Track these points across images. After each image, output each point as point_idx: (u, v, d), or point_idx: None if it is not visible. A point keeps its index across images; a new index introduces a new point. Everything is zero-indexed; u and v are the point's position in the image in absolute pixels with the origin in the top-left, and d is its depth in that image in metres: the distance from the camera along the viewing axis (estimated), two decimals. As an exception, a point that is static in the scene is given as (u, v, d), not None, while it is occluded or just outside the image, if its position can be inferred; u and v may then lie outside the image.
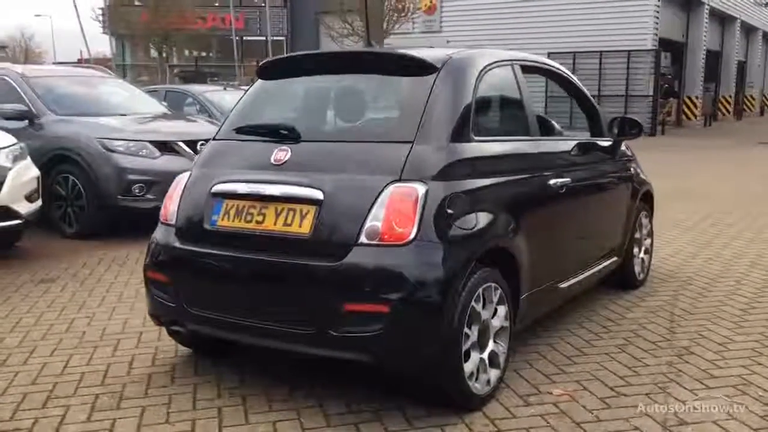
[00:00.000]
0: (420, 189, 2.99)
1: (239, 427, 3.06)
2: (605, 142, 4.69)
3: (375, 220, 2.95)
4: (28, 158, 6.73)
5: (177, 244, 3.39)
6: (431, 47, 3.80)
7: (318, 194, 3.08)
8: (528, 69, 4.13)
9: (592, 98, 4.71)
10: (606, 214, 4.61)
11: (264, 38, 32.05)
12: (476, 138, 3.34)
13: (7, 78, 8.35)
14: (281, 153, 3.29)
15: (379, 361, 2.98)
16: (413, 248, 2.92)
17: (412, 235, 2.93)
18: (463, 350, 3.06)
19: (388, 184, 3.00)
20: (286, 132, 3.35)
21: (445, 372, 3.02)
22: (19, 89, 8.14)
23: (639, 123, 4.67)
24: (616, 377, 3.55)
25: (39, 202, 6.67)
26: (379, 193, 2.98)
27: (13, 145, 6.59)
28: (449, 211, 3.03)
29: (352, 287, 2.93)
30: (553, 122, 4.76)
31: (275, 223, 3.15)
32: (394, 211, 2.95)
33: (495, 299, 3.25)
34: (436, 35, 27.67)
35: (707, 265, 5.85)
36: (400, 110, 3.35)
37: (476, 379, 3.18)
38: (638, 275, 5.13)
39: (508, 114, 4.00)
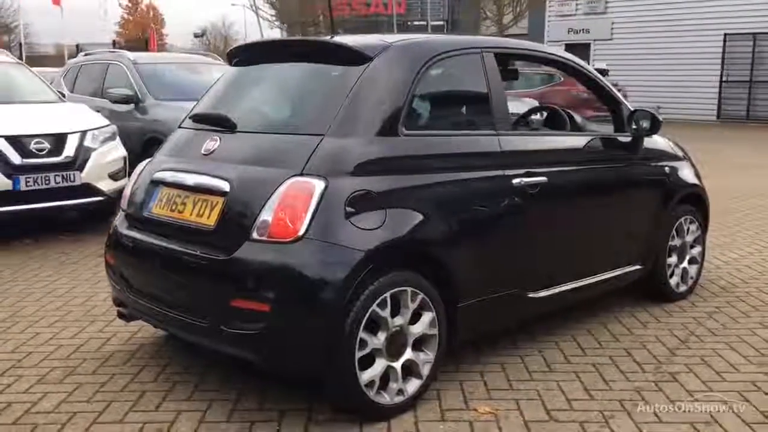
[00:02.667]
0: (317, 185, 2.86)
1: (145, 413, 3.10)
2: (622, 138, 4.21)
3: (267, 215, 2.86)
4: (117, 139, 7.22)
5: (121, 229, 3.50)
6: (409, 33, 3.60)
7: (225, 186, 3.04)
8: (510, 57, 3.81)
9: (611, 88, 4.24)
10: (617, 218, 4.14)
11: (425, 23, 32.20)
12: (407, 133, 3.13)
13: (120, 64, 9.03)
14: (211, 143, 3.28)
15: (264, 361, 2.90)
16: (300, 246, 2.80)
17: (301, 232, 2.81)
18: (362, 356, 2.89)
19: (288, 178, 2.90)
20: (221, 122, 3.34)
21: (336, 378, 2.88)
22: (129, 74, 8.78)
23: (655, 116, 4.14)
24: (564, 400, 3.20)
25: (124, 181, 7.16)
26: (277, 188, 2.88)
27: (103, 126, 7.11)
28: (349, 209, 2.87)
29: (237, 283, 2.87)
30: (574, 117, 4.36)
31: (191, 214, 3.15)
32: (286, 206, 2.85)
33: (413, 305, 3.04)
34: (600, 17, 26.32)
35: (785, 280, 5.11)
36: (320, 102, 3.21)
37: (382, 388, 3.00)
38: (676, 287, 4.58)
39: (465, 107, 3.70)
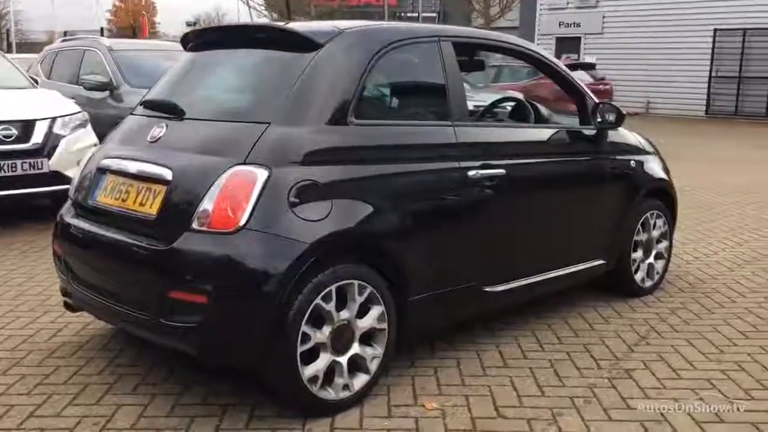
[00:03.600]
0: (260, 174, 2.78)
1: (85, 406, 3.02)
2: (586, 131, 4.14)
3: (208, 205, 2.78)
4: (88, 126, 7.11)
5: (67, 218, 3.42)
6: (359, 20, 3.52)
7: (167, 174, 2.96)
8: (470, 47, 3.73)
9: (575, 81, 4.17)
10: (580, 212, 4.07)
11: (416, 15, 32.07)
12: (357, 122, 3.05)
13: (96, 50, 8.91)
14: (158, 130, 3.20)
15: (203, 355, 2.83)
16: (239, 236, 2.72)
17: (241, 223, 2.73)
18: (305, 350, 2.83)
19: (230, 167, 2.82)
20: (169, 108, 3.26)
21: (277, 373, 2.81)
22: (104, 61, 8.66)
23: (618, 110, 4.08)
24: (515, 397, 3.14)
25: (95, 169, 7.06)
26: (219, 176, 2.81)
27: (74, 113, 7.00)
28: (293, 199, 2.79)
29: (175, 274, 2.79)
30: (539, 109, 4.29)
31: (134, 202, 3.07)
32: (228, 196, 2.77)
33: (360, 298, 2.97)
34: (591, 11, 26.24)
35: (754, 277, 5.06)
36: (268, 89, 3.13)
37: (327, 383, 2.93)
38: (641, 282, 4.52)
39: (419, 97, 3.62)
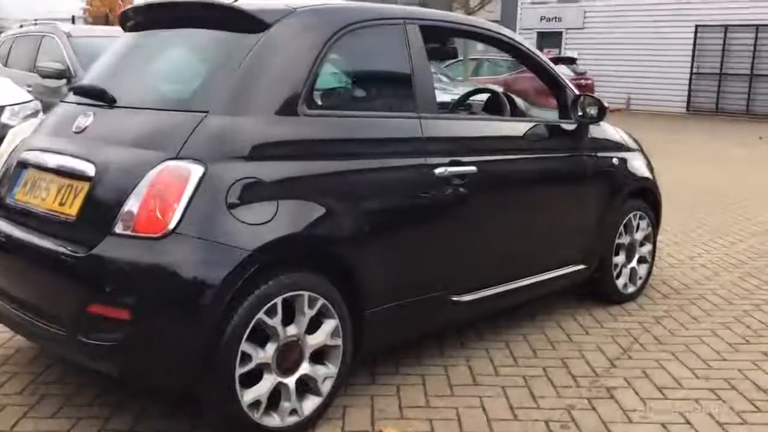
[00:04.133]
0: (194, 170, 2.42)
1: (-4, 432, 2.66)
2: (566, 126, 3.82)
3: (133, 205, 2.42)
4: (41, 116, 6.69)
5: (-16, 218, 3.03)
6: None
7: (90, 169, 2.60)
8: (440, 31, 3.40)
9: (554, 71, 3.84)
10: (558, 214, 3.75)
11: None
12: (309, 113, 2.70)
13: (54, 37, 8.47)
14: (84, 119, 2.83)
15: (124, 377, 2.48)
16: (168, 242, 2.36)
17: (171, 226, 2.37)
18: (245, 372, 2.48)
19: (160, 162, 2.46)
20: (97, 95, 2.89)
21: (213, 398, 2.47)
22: (62, 48, 8.22)
23: (600, 102, 3.77)
24: (484, 421, 2.82)
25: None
26: (147, 173, 2.44)
27: (25, 102, 6.59)
28: (232, 199, 2.44)
29: (94, 285, 2.42)
30: (515, 101, 3.97)
31: (54, 201, 2.69)
32: (155, 195, 2.41)
33: (310, 311, 2.63)
34: (573, 5, 26.00)
35: (741, 282, 4.77)
36: (208, 74, 2.76)
37: (272, 408, 2.59)
38: (623, 288, 4.22)
39: (382, 86, 3.27)
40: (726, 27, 22.33)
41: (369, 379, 3.13)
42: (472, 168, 3.16)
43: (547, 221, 3.69)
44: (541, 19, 26.95)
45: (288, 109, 2.65)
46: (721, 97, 22.89)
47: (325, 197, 2.66)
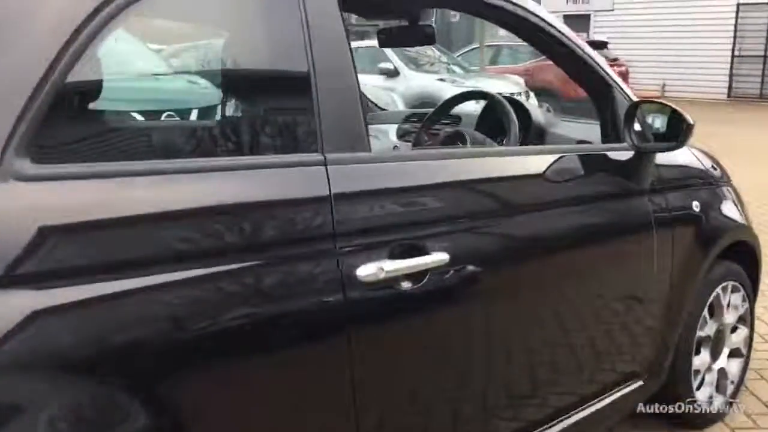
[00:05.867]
0: None
1: None
2: (615, 155, 2.24)
3: None
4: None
5: None
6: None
7: None
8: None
9: (594, 60, 2.25)
10: (595, 311, 2.19)
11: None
12: (39, 170, 1.19)
13: None
14: None
15: None
16: None
17: None
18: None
19: None
20: None
21: None
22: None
23: (679, 114, 2.21)
24: None
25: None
26: None
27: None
28: None
29: None
30: (527, 110, 2.42)
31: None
32: None
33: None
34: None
35: None
36: None
37: None
38: (708, 403, 2.65)
39: (232, 93, 1.75)
40: (771, 4, 20.46)
41: None
42: (442, 257, 1.61)
43: (579, 327, 2.13)
44: (567, 1, 25.22)
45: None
46: (766, 81, 21.00)
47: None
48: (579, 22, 24.63)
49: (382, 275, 1.50)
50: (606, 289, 2.21)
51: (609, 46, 18.94)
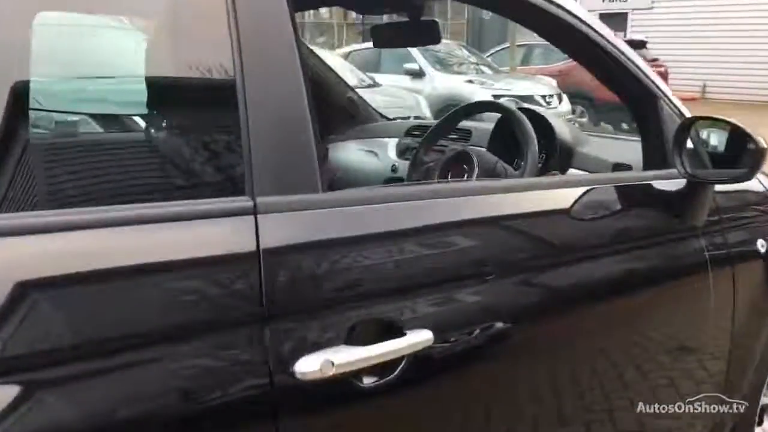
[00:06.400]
0: None
1: None
2: (661, 185, 1.77)
3: None
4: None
5: None
6: None
7: None
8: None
9: (636, 64, 1.79)
10: (639, 378, 1.73)
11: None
12: None
13: None
14: None
15: None
16: None
17: None
18: None
19: None
20: None
21: None
22: None
23: (747, 134, 1.73)
24: None
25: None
26: None
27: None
28: None
29: None
30: (551, 124, 1.97)
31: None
32: None
33: None
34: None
35: None
36: None
37: None
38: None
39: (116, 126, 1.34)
40: (820, 1, 19.64)
41: None
42: (423, 336, 1.16)
43: (616, 393, 1.67)
44: (604, -1, 24.64)
45: None
46: (816, 82, 20.22)
47: None
48: (615, 20, 24.04)
49: (330, 371, 1.06)
50: (656, 352, 1.74)
51: (647, 45, 18.35)
